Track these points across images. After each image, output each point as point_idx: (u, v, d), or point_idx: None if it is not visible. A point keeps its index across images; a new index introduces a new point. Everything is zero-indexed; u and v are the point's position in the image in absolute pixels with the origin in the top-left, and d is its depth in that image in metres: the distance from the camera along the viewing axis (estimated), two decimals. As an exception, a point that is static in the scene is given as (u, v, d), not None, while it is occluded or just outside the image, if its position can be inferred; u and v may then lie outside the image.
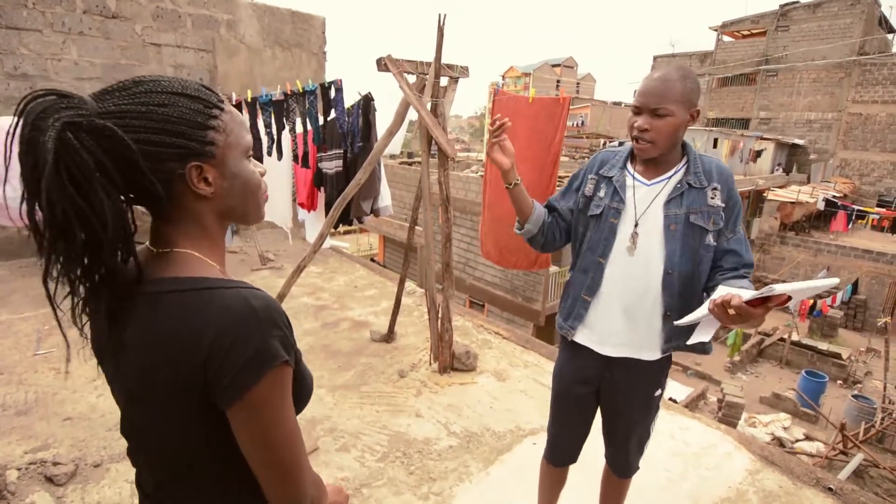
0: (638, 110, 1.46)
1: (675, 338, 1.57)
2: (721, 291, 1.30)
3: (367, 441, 2.78)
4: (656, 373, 1.67)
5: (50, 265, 0.64)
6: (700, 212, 1.49)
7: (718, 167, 1.54)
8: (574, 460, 1.89)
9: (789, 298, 1.20)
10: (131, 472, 0.89)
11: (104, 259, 0.66)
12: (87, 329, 0.74)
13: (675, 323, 1.45)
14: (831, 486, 2.51)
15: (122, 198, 0.68)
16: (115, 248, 0.66)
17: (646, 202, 1.54)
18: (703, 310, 1.34)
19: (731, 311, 1.22)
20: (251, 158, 0.83)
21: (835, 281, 1.25)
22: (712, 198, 1.50)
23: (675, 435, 2.92)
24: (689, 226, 1.50)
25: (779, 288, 1.17)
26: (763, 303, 1.21)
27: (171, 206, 0.73)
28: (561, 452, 1.89)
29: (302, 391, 0.81)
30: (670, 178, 1.53)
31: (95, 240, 0.65)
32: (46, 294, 0.67)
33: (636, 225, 1.54)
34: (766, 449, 2.83)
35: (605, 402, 1.76)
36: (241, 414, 0.70)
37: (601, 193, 1.61)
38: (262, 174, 0.85)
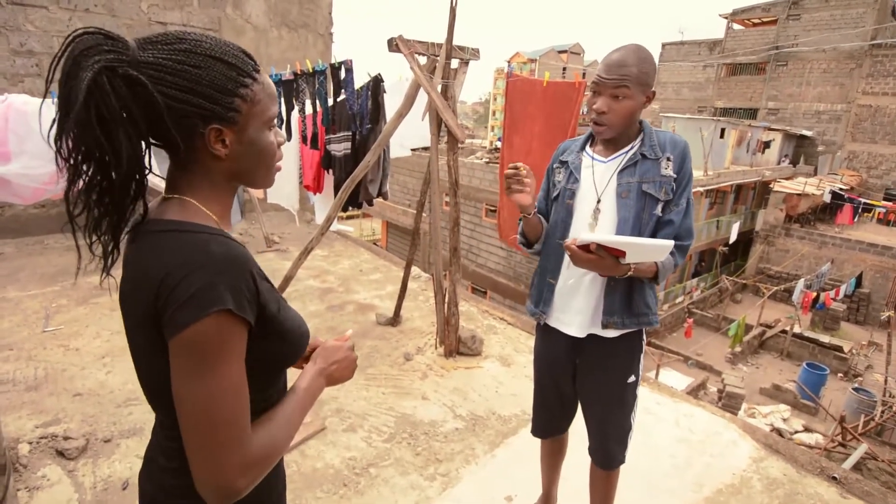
0: (596, 89, 1.49)
1: (614, 312, 1.59)
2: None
3: (374, 422, 2.80)
4: (624, 355, 1.68)
5: (72, 184, 0.70)
6: (653, 181, 1.52)
7: (672, 139, 1.57)
8: (552, 434, 1.95)
9: (624, 252, 1.38)
10: (141, 448, 0.92)
11: (115, 192, 0.72)
12: (96, 247, 0.78)
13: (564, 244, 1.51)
14: (835, 475, 2.53)
15: (143, 142, 0.73)
16: (127, 185, 0.73)
17: (605, 178, 1.57)
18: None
19: (567, 253, 1.43)
20: (273, 128, 0.85)
21: (669, 244, 1.37)
22: (665, 168, 1.53)
23: (679, 422, 2.94)
24: (641, 194, 1.53)
25: (584, 236, 1.39)
26: (587, 249, 1.39)
27: (187, 157, 0.78)
28: (537, 426, 1.96)
29: (283, 348, 0.84)
30: (627, 152, 1.57)
31: (110, 173, 0.71)
32: (67, 209, 0.73)
33: (598, 202, 1.58)
34: (770, 437, 2.84)
35: (579, 388, 1.78)
36: (176, 354, 0.70)
37: (560, 178, 1.67)
38: (281, 143, 0.88)
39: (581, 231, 1.59)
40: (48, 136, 0.68)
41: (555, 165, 1.71)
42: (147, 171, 0.75)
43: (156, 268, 0.71)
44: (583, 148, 1.66)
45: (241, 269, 0.73)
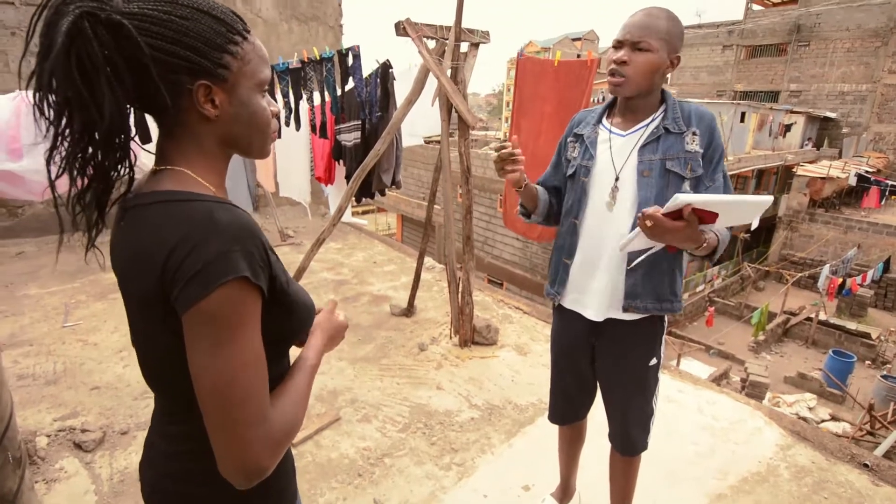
0: (619, 44, 1.40)
1: (637, 296, 1.51)
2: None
3: (389, 412, 2.77)
4: (646, 338, 1.60)
5: (55, 148, 0.66)
6: (677, 158, 1.42)
7: (698, 112, 1.46)
8: (570, 421, 1.89)
9: (716, 216, 1.20)
10: None
11: (98, 155, 0.68)
12: (80, 219, 0.73)
13: (619, 248, 1.39)
14: (867, 462, 2.43)
15: (128, 100, 0.68)
16: (110, 142, 0.68)
17: (624, 153, 1.48)
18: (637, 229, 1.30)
19: (648, 223, 1.21)
20: (266, 95, 0.81)
21: (768, 199, 1.22)
22: (690, 143, 1.43)
23: (703, 409, 2.85)
24: (664, 173, 1.43)
25: (682, 197, 1.16)
26: (679, 216, 1.19)
27: (175, 121, 0.74)
28: (555, 412, 1.89)
29: (291, 322, 0.81)
30: (648, 125, 1.47)
31: (92, 130, 0.66)
32: (48, 178, 0.67)
33: (616, 179, 1.48)
34: (797, 424, 2.74)
35: (599, 372, 1.71)
36: (191, 329, 0.66)
37: (575, 153, 1.58)
38: (275, 114, 0.84)
39: (594, 209, 1.53)
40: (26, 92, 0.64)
41: (569, 139, 1.62)
42: (132, 135, 0.71)
43: (158, 242, 0.66)
44: (599, 120, 1.56)
45: (251, 236, 0.69)
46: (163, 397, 0.81)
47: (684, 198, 1.16)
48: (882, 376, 10.87)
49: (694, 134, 1.43)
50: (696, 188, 1.44)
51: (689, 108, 1.47)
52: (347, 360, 3.33)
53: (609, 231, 1.51)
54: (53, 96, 0.63)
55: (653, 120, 1.47)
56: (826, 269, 14.10)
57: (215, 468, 0.72)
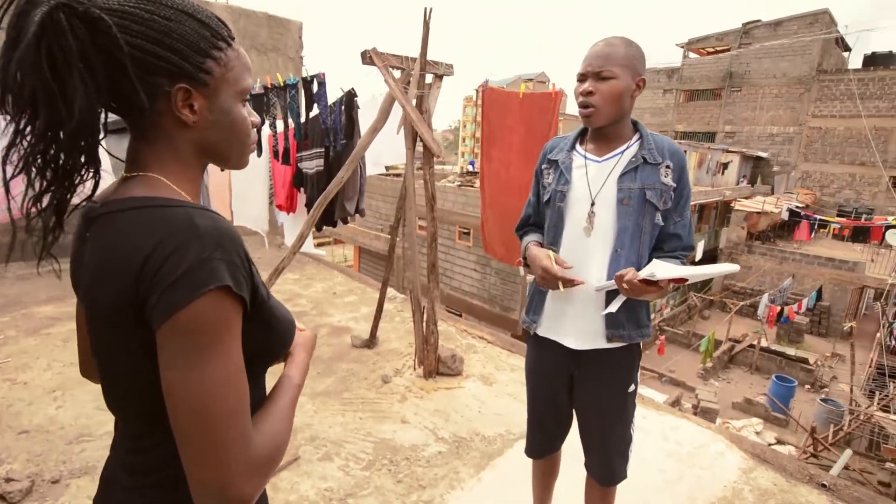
0: (583, 77, 1.44)
1: (620, 325, 1.52)
2: (650, 264, 1.39)
3: (351, 449, 2.64)
4: (624, 365, 1.59)
5: (13, 147, 0.60)
6: (654, 188, 1.46)
7: (671, 146, 1.50)
8: (548, 453, 1.83)
9: (686, 280, 1.32)
10: (93, 488, 0.79)
11: (61, 156, 0.62)
12: (35, 224, 0.66)
13: (595, 289, 1.48)
14: (825, 483, 2.49)
15: (102, 100, 0.63)
16: (76, 142, 0.62)
17: (600, 179, 1.49)
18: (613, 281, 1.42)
19: (626, 286, 1.35)
20: (247, 104, 0.78)
21: (734, 267, 1.34)
22: (665, 175, 1.47)
23: (666, 435, 2.87)
24: (643, 202, 1.46)
25: (659, 274, 1.30)
26: (653, 283, 1.32)
27: (150, 124, 0.69)
28: (531, 445, 1.84)
29: (273, 338, 0.76)
30: (623, 152, 1.49)
31: (58, 128, 0.60)
32: (2, 178, 0.61)
33: (592, 204, 1.49)
34: (757, 447, 2.80)
35: (577, 400, 1.67)
36: (167, 341, 0.61)
37: (549, 179, 1.59)
38: (255, 125, 0.80)
39: (571, 235, 1.53)
40: None
41: (543, 166, 1.62)
42: (100, 137, 0.66)
43: (132, 247, 0.61)
44: (573, 146, 1.57)
45: (234, 243, 0.65)
46: (126, 422, 0.74)
47: (662, 274, 1.29)
48: (822, 400, 11.42)
49: (667, 167, 1.47)
50: (665, 219, 1.48)
51: (663, 141, 1.51)
52: (307, 394, 3.18)
53: (585, 257, 1.51)
54: (17, 89, 0.57)
55: (628, 147, 1.49)
56: (765, 298, 14.87)
57: (185, 501, 0.64)
